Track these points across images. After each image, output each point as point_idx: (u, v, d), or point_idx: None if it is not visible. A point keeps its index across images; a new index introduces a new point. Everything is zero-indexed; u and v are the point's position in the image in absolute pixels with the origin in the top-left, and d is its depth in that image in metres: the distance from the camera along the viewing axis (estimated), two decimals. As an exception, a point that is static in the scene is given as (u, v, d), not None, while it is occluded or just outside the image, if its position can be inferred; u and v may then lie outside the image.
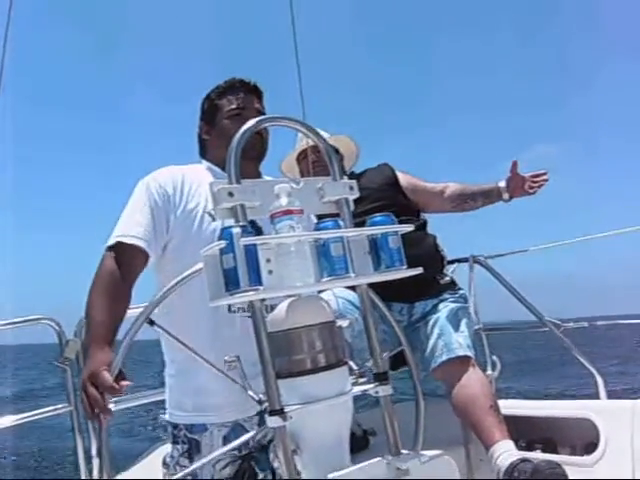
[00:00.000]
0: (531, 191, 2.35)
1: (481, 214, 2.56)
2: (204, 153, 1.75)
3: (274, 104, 1.78)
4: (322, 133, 2.58)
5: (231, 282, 0.95)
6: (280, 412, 1.01)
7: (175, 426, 1.56)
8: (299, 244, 1.00)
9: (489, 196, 2.44)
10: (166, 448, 1.66)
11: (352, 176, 2.48)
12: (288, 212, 1.01)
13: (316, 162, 2.28)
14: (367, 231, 1.12)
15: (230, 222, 1.05)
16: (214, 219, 1.53)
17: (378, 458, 1.11)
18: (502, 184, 2.40)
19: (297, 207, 1.03)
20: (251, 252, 0.95)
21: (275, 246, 1.00)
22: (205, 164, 1.72)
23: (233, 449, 1.49)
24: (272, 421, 1.01)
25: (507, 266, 2.80)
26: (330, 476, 1.01)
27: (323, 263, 1.03)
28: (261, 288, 0.96)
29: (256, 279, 0.95)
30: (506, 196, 2.40)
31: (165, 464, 1.57)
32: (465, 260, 2.78)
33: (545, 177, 2.36)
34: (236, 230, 0.95)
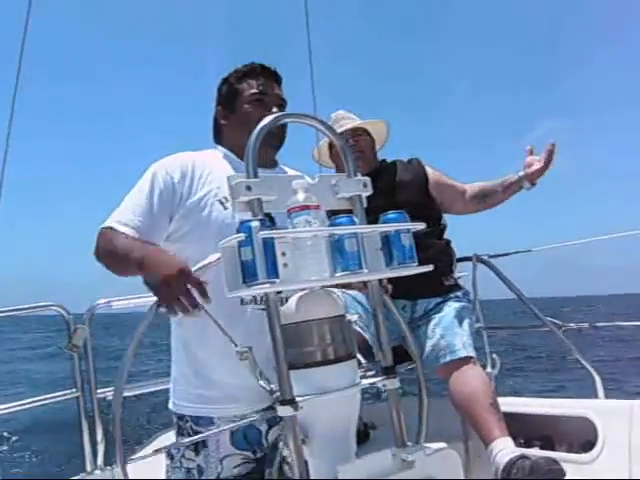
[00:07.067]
0: (545, 166, 2.27)
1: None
2: (220, 139, 1.68)
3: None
4: (354, 117, 2.62)
5: (249, 274, 0.98)
6: (291, 402, 1.04)
7: (181, 417, 1.52)
8: (315, 239, 1.02)
9: (509, 187, 2.39)
10: (168, 437, 1.63)
11: (382, 164, 2.55)
12: (305, 207, 1.04)
13: (354, 146, 2.41)
14: (381, 228, 1.14)
15: (245, 214, 1.07)
16: (225, 207, 1.50)
17: (384, 450, 1.13)
18: (521, 173, 2.34)
19: (314, 202, 1.05)
20: (269, 245, 0.98)
21: (292, 240, 1.02)
22: (221, 150, 1.65)
23: (247, 449, 1.48)
24: (283, 410, 1.04)
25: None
26: (339, 468, 1.03)
27: (337, 258, 1.06)
28: (277, 281, 0.98)
29: (273, 272, 0.97)
30: (527, 184, 2.34)
31: (169, 455, 1.52)
32: (469, 259, 2.80)
33: (553, 149, 2.27)
34: (255, 224, 0.98)
